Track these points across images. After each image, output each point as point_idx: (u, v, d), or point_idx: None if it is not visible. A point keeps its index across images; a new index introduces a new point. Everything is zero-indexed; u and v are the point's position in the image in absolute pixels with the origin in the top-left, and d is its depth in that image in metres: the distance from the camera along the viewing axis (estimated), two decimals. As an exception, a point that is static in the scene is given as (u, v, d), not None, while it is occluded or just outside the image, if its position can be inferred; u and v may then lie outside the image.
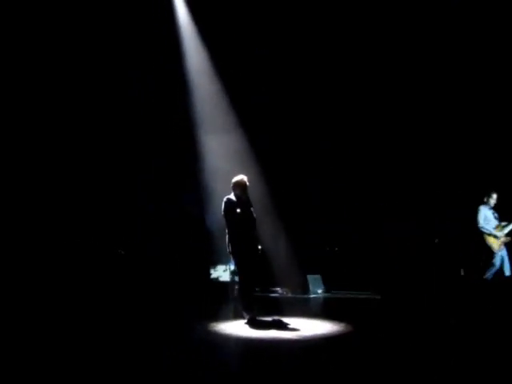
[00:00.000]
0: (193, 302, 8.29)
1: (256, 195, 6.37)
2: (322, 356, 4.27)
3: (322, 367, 3.86)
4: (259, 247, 5.95)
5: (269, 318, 5.95)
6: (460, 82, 9.09)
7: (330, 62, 9.79)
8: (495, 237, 7.64)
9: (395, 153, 10.01)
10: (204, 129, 10.04)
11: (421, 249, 9.18)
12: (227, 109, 9.88)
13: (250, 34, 9.27)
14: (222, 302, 8.26)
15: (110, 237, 9.69)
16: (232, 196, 5.95)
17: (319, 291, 9.59)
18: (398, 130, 9.81)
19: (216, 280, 9.53)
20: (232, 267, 8.64)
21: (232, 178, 6.12)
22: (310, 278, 9.66)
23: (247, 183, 6.01)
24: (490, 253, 7.65)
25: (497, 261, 7.57)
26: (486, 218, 7.74)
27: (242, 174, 6.16)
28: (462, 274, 8.71)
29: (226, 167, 8.62)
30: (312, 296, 9.34)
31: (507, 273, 7.53)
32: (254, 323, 5.60)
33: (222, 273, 9.49)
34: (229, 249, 5.89)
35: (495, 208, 7.84)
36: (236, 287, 6.03)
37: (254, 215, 6.00)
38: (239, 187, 5.95)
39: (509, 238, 7.63)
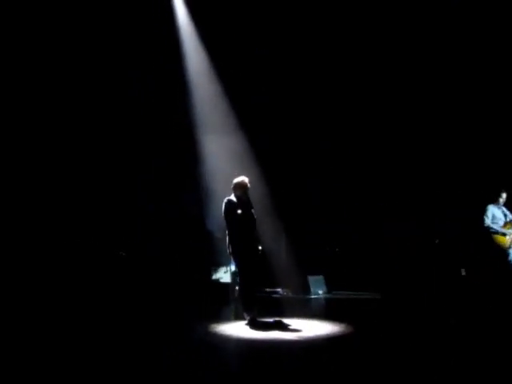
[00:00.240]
0: (193, 303, 8.28)
1: (256, 196, 6.37)
2: (323, 357, 4.26)
3: (323, 368, 3.86)
4: (259, 248, 5.95)
5: (270, 319, 5.95)
6: (460, 81, 9.09)
7: (330, 62, 9.79)
8: (503, 234, 7.58)
9: (395, 153, 10.01)
10: (204, 129, 10.04)
11: (421, 249, 9.17)
12: (227, 109, 9.88)
13: (250, 34, 9.27)
14: (223, 303, 8.26)
15: (110, 238, 9.68)
16: (232, 197, 5.95)
17: (320, 292, 9.58)
18: (398, 129, 9.81)
19: (217, 281, 9.52)
20: (233, 268, 8.63)
21: (232, 178, 6.12)
22: (310, 278, 9.65)
23: (248, 184, 6.00)
24: (502, 252, 7.54)
25: None
26: (495, 217, 7.66)
27: (242, 174, 6.16)
28: (463, 274, 8.70)
29: (226, 168, 8.63)
30: (313, 297, 9.35)
31: None
32: (254, 324, 5.60)
33: (223, 274, 9.48)
34: (229, 250, 5.88)
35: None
36: (237, 288, 6.00)
37: (255, 216, 6.00)
38: (240, 188, 5.95)
39: None
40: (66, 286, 8.31)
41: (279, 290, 9.76)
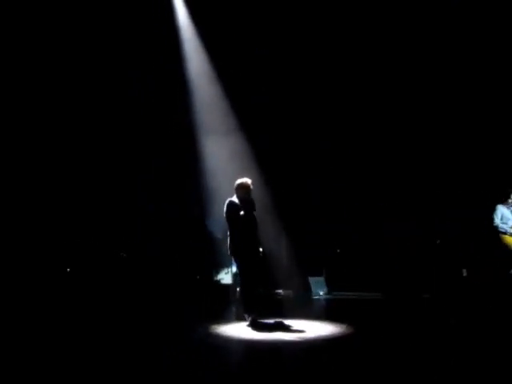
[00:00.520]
0: (195, 304, 8.28)
1: (256, 196, 6.35)
2: (325, 358, 4.26)
3: (324, 369, 3.85)
4: (260, 250, 5.94)
5: (271, 320, 5.94)
6: (460, 81, 9.08)
7: (330, 62, 9.78)
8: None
9: (395, 153, 10.01)
10: (204, 129, 10.04)
11: (422, 249, 9.16)
12: (227, 109, 9.87)
13: (250, 34, 9.26)
14: (224, 304, 8.25)
15: (111, 239, 9.68)
16: (235, 198, 5.93)
17: (321, 293, 9.58)
18: (398, 129, 9.81)
19: (218, 282, 9.51)
20: (234, 269, 8.63)
21: (232, 178, 6.11)
22: (311, 279, 9.64)
23: (251, 186, 6.00)
24: (509, 253, 7.51)
25: None
26: (504, 217, 7.62)
27: (242, 175, 6.15)
28: (465, 274, 8.69)
29: (227, 168, 8.63)
30: (314, 297, 9.34)
31: None
32: (255, 325, 5.59)
33: (224, 275, 9.47)
34: (230, 251, 5.87)
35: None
36: (238, 289, 6.00)
37: (257, 219, 5.99)
38: (242, 189, 5.94)
39: None
40: (67, 287, 8.32)
41: (280, 291, 9.76)
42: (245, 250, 5.78)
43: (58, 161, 9.47)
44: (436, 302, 7.92)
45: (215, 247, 9.06)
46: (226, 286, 9.19)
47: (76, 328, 5.76)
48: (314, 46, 9.64)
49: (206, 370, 3.85)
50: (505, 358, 4.11)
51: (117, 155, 9.98)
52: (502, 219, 7.61)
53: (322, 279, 9.77)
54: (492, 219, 7.64)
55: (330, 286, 9.72)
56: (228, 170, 8.59)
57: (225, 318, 6.35)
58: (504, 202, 7.72)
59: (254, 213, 5.99)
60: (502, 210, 7.66)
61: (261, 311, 5.92)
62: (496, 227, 7.61)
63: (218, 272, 9.59)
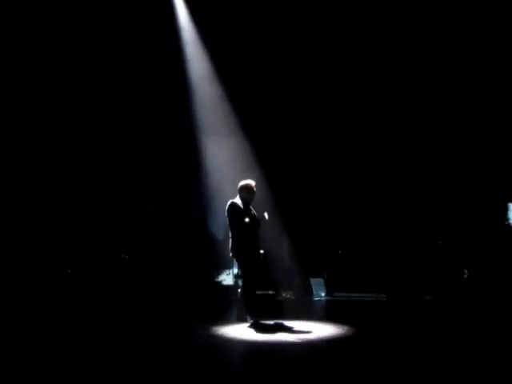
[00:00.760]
0: (196, 305, 8.28)
1: (256, 196, 6.35)
2: (326, 359, 4.26)
3: (325, 370, 3.85)
4: (261, 252, 5.94)
5: (272, 322, 5.94)
6: (460, 81, 9.08)
7: (330, 63, 9.77)
8: None
9: (395, 153, 10.01)
10: (204, 129, 10.03)
11: (424, 250, 9.16)
12: (227, 110, 9.87)
13: (250, 34, 9.26)
14: (225, 305, 8.25)
15: (111, 240, 9.67)
16: (237, 199, 5.92)
17: (322, 294, 9.58)
18: (399, 129, 9.81)
19: (219, 283, 9.52)
20: (235, 271, 8.64)
21: (233, 178, 6.12)
22: (313, 281, 9.63)
23: (254, 188, 5.99)
24: None
25: None
26: None
27: (243, 175, 6.17)
28: (466, 275, 8.69)
29: (227, 168, 8.64)
30: (315, 299, 9.34)
31: None
32: (257, 326, 5.59)
33: (225, 276, 9.47)
34: (232, 252, 5.87)
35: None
36: (239, 290, 5.99)
37: (258, 220, 5.99)
38: (245, 191, 5.93)
39: None
40: (68, 289, 8.32)
41: (282, 292, 9.74)
42: (247, 251, 5.77)
43: (58, 161, 9.46)
44: (438, 304, 7.92)
45: (216, 248, 9.05)
46: (228, 287, 9.18)
47: (77, 328, 5.76)
48: (314, 46, 9.63)
49: (206, 370, 3.86)
50: (505, 358, 4.12)
51: (117, 155, 9.97)
52: None
53: (320, 280, 9.76)
54: (505, 217, 7.62)
55: (330, 288, 9.71)
56: (228, 170, 8.61)
57: (226, 319, 6.35)
58: None
59: (256, 214, 5.99)
60: None
61: (262, 312, 5.92)
62: (508, 225, 7.59)
63: (219, 273, 9.59)
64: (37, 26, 8.62)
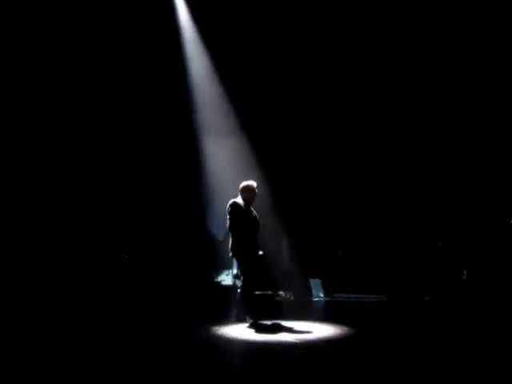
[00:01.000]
0: (195, 306, 8.28)
1: (257, 196, 6.35)
2: (325, 359, 4.26)
3: (324, 370, 3.85)
4: (261, 252, 5.93)
5: (271, 322, 5.94)
6: (460, 81, 9.08)
7: (330, 63, 9.77)
8: None
9: (395, 153, 10.01)
10: (204, 129, 10.03)
11: (423, 251, 9.16)
12: (228, 110, 9.86)
13: (251, 34, 9.26)
14: (225, 305, 8.25)
15: (111, 239, 9.67)
16: (238, 199, 5.92)
17: (322, 294, 9.58)
18: (399, 129, 9.81)
19: (219, 283, 9.51)
20: (234, 271, 8.63)
21: (233, 178, 6.12)
22: (312, 281, 9.63)
23: (256, 189, 5.99)
24: None
25: None
26: None
27: (243, 175, 6.17)
28: (464, 275, 8.70)
29: (227, 168, 8.63)
30: (315, 299, 9.33)
31: None
32: (256, 327, 5.58)
33: (225, 276, 9.47)
34: (231, 252, 5.86)
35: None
36: (238, 291, 5.99)
37: (259, 221, 5.99)
38: (247, 192, 5.92)
39: None
40: (68, 289, 8.31)
41: (281, 292, 9.74)
42: (247, 251, 5.77)
43: (58, 161, 9.45)
44: (437, 305, 7.91)
45: (216, 248, 9.04)
46: (227, 287, 9.18)
47: (77, 328, 5.76)
48: (314, 47, 9.63)
49: (206, 370, 3.86)
50: (505, 358, 4.12)
51: (117, 155, 9.97)
52: None
53: (317, 281, 9.74)
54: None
55: (329, 289, 9.70)
56: (228, 170, 8.61)
57: (225, 319, 6.34)
58: None
59: (256, 215, 5.99)
60: None
61: (261, 313, 5.92)
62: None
63: (218, 273, 9.59)
64: (37, 26, 8.61)
